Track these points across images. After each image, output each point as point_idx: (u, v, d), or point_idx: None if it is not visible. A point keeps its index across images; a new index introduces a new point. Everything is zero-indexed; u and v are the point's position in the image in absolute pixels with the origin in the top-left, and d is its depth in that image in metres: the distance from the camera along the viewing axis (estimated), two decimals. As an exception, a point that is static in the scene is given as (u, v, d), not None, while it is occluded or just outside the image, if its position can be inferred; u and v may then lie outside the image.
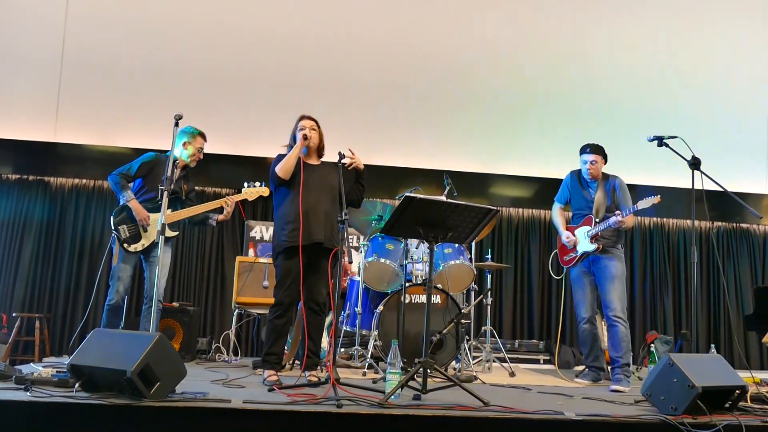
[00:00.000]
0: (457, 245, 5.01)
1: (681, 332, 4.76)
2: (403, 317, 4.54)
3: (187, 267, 6.65)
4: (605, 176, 4.83)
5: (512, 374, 5.02)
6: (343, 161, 3.87)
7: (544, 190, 6.75)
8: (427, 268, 3.89)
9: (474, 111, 7.24)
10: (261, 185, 4.76)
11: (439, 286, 4.86)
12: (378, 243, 5.05)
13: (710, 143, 6.66)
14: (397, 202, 3.94)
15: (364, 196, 4.17)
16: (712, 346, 4.43)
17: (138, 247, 4.54)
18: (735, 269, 7.38)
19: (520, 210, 7.30)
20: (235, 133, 6.76)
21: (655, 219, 7.40)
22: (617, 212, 4.55)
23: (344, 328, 5.16)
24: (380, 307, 4.79)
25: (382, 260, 4.97)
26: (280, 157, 4.00)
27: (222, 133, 5.97)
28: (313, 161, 4.10)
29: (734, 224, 7.51)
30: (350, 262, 5.51)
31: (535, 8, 7.36)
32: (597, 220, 4.68)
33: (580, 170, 4.87)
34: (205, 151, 4.84)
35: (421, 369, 3.42)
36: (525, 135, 7.27)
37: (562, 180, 5.05)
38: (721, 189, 4.13)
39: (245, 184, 4.80)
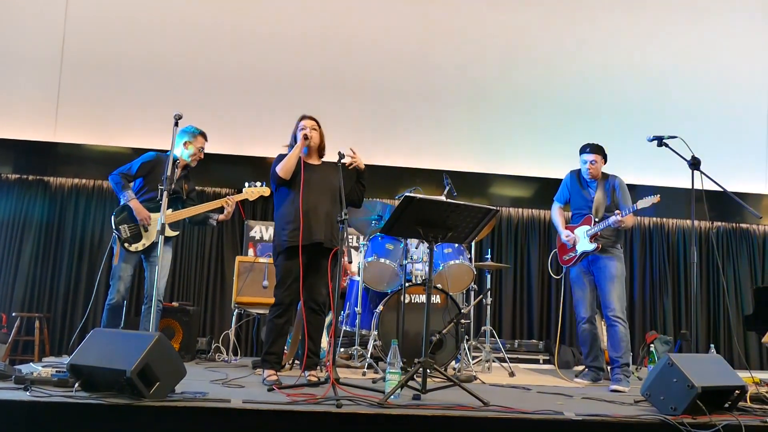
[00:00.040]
0: (456, 245, 5.01)
1: (680, 332, 4.78)
2: (402, 317, 4.54)
3: (187, 267, 6.65)
4: (605, 176, 4.83)
5: (512, 374, 5.02)
6: (343, 161, 3.87)
7: (544, 190, 6.75)
8: (427, 268, 3.89)
9: (474, 111, 7.24)
10: (262, 185, 4.76)
11: (438, 286, 4.86)
12: (378, 243, 5.05)
13: (710, 143, 6.66)
14: (396, 202, 3.93)
15: (364, 196, 4.17)
16: (712, 346, 4.43)
17: (139, 246, 4.54)
18: (734, 269, 7.38)
19: (520, 210, 7.30)
20: (235, 133, 6.76)
21: (654, 219, 7.40)
22: (617, 212, 4.55)
23: (344, 327, 5.16)
24: (380, 307, 4.79)
25: (382, 260, 4.97)
26: (281, 156, 4.00)
27: (222, 133, 5.97)
28: (314, 161, 4.10)
29: (734, 224, 7.51)
30: (350, 262, 5.51)
31: (535, 8, 7.36)
32: (596, 219, 4.68)
33: (579, 170, 4.87)
34: (205, 150, 4.84)
35: (420, 369, 3.42)
36: (525, 135, 7.27)
37: (561, 180, 5.05)
38: (720, 189, 4.13)
39: (246, 184, 4.79)
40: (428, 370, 3.45)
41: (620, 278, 4.65)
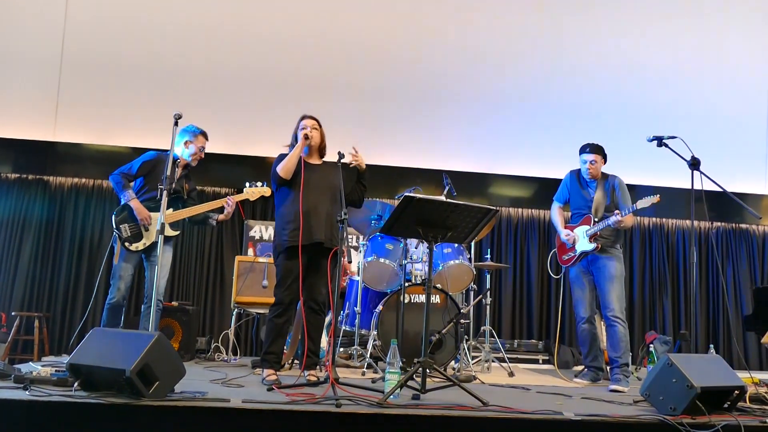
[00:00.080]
0: (456, 245, 5.01)
1: (680, 332, 4.78)
2: (402, 317, 4.54)
3: (187, 266, 6.65)
4: (605, 176, 4.83)
5: (511, 374, 5.02)
6: (343, 160, 3.87)
7: (544, 189, 6.76)
8: (427, 268, 3.89)
9: (474, 111, 7.24)
10: (263, 185, 4.76)
11: (438, 285, 4.86)
12: (377, 243, 5.05)
13: (710, 143, 6.65)
14: (396, 202, 3.94)
15: (365, 196, 4.17)
16: (711, 346, 4.44)
17: (139, 246, 4.54)
18: (734, 269, 7.39)
19: (520, 210, 7.30)
20: (235, 133, 6.76)
21: (654, 219, 7.41)
22: (616, 212, 4.55)
23: (343, 327, 5.16)
24: (379, 307, 4.79)
25: (382, 260, 4.97)
26: (282, 156, 4.00)
27: (222, 133, 5.97)
28: (315, 161, 4.10)
29: (733, 224, 7.52)
30: (350, 262, 5.51)
31: (535, 8, 7.36)
32: (596, 219, 4.68)
33: (579, 170, 4.87)
34: (205, 150, 4.84)
35: (420, 369, 3.42)
36: (525, 135, 7.27)
37: (561, 180, 5.05)
38: (720, 189, 4.13)
39: (247, 184, 4.80)
40: (428, 370, 3.45)
41: (619, 278, 4.65)
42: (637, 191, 5.98)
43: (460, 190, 5.25)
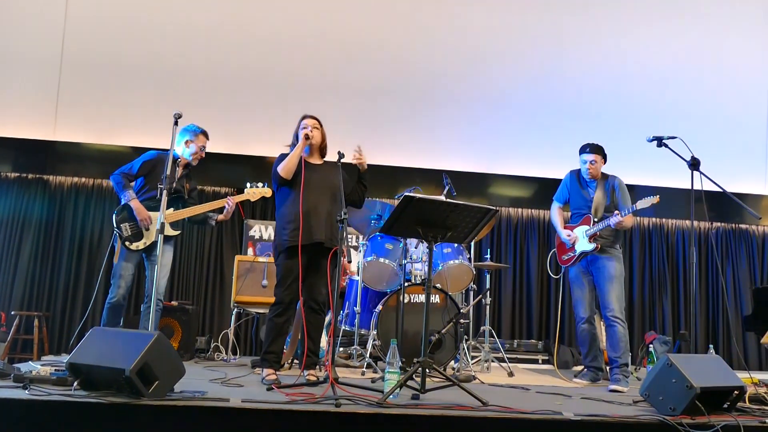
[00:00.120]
0: (456, 245, 5.01)
1: (680, 333, 4.78)
2: (402, 317, 4.54)
3: (186, 266, 6.65)
4: (605, 176, 4.83)
5: (511, 374, 5.03)
6: (343, 160, 3.87)
7: (543, 190, 6.76)
8: (426, 268, 3.89)
9: (474, 111, 7.25)
10: (263, 186, 4.76)
11: (438, 285, 4.86)
12: (377, 242, 5.05)
13: (710, 144, 6.65)
14: (396, 202, 3.94)
15: (365, 196, 4.17)
16: (711, 346, 4.44)
17: (140, 245, 4.53)
18: (734, 270, 7.39)
19: (519, 210, 7.30)
20: (235, 133, 6.76)
21: (654, 219, 7.41)
22: (616, 212, 4.55)
23: (343, 327, 5.16)
24: (379, 307, 4.79)
25: (381, 260, 4.97)
26: (283, 156, 4.00)
27: (222, 133, 5.96)
28: (316, 160, 4.10)
29: (733, 225, 7.52)
30: (349, 262, 5.51)
31: (535, 8, 7.36)
32: (595, 219, 4.68)
33: (579, 170, 4.87)
34: (206, 150, 4.84)
35: (419, 368, 3.42)
36: (524, 135, 7.27)
37: (561, 180, 5.05)
38: (720, 189, 4.13)
39: (247, 185, 4.80)
40: (427, 370, 3.45)
41: (619, 278, 4.66)
42: (637, 191, 5.98)
43: (459, 190, 5.25)
